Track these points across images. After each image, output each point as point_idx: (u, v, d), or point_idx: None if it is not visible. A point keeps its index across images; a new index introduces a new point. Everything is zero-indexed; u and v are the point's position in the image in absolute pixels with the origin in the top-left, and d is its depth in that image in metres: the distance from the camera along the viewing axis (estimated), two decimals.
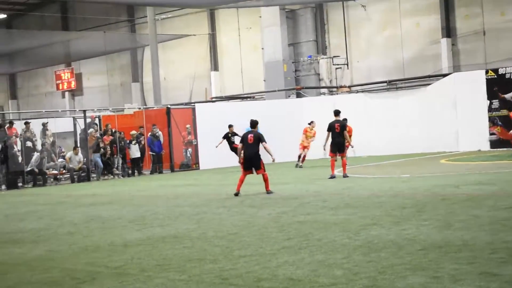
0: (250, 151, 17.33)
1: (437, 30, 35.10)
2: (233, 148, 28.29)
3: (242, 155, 17.52)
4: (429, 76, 34.35)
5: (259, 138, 17.41)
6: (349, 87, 37.50)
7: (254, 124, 17.81)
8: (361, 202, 13.99)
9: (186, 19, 44.78)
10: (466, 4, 34.36)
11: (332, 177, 20.64)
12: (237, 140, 26.50)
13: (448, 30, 34.74)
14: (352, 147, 23.33)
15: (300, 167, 27.52)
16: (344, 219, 11.64)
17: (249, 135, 17.50)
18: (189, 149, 33.25)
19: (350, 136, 23.56)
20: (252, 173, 17.43)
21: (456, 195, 14.12)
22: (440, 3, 34.93)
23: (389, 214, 11.89)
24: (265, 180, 17.29)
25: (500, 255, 7.89)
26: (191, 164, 33.04)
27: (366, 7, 37.66)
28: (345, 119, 23.24)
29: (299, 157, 28.22)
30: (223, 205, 15.25)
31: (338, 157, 21.25)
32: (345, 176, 20.72)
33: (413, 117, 32.60)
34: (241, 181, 17.41)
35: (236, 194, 17.07)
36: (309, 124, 28.38)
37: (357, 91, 36.31)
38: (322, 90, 38.67)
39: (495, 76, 30.85)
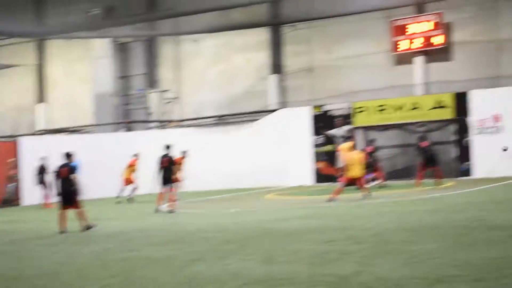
0: (64, 185, 16.65)
1: (267, 66, 35.96)
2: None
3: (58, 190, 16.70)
4: (258, 112, 35.06)
5: (71, 171, 16.73)
6: (180, 121, 37.54)
7: (68, 156, 16.94)
8: (187, 237, 13.91)
9: (12, 48, 43.17)
10: (294, 42, 35.46)
11: (159, 211, 20.77)
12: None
13: (277, 67, 35.70)
14: (181, 181, 23.46)
15: (120, 202, 27.08)
16: (169, 255, 11.49)
17: (62, 168, 16.76)
18: (12, 184, 31.87)
19: (180, 168, 24.01)
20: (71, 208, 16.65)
21: (279, 229, 14.35)
22: (270, 41, 35.86)
23: (214, 249, 11.88)
24: (80, 216, 16.59)
25: (319, 287, 8.05)
26: (13, 200, 31.64)
27: (198, 42, 37.98)
28: (184, 152, 24.11)
29: (122, 191, 27.92)
30: (45, 243, 14.66)
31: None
32: (171, 211, 20.64)
33: (242, 151, 33.12)
34: (62, 218, 16.57)
35: (62, 232, 16.28)
36: (134, 156, 28.18)
37: (188, 126, 36.42)
38: (152, 124, 38.46)
39: (320, 113, 32.01)
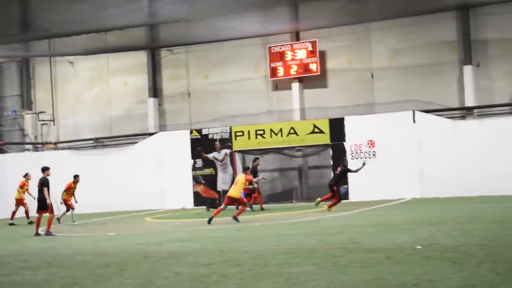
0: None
1: (145, 89, 35.75)
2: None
3: None
4: (136, 135, 34.75)
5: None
6: (55, 143, 36.69)
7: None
8: (64, 261, 13.55)
9: None
10: (172, 66, 35.48)
11: (37, 234, 20.24)
12: None
13: (155, 90, 35.55)
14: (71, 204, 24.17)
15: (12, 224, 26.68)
16: (45, 279, 11.16)
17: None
18: None
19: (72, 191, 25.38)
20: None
21: (159, 252, 14.23)
22: (148, 64, 35.70)
23: (92, 273, 11.62)
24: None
25: None
26: None
27: (74, 63, 37.32)
28: (75, 176, 25.34)
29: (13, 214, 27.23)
30: None
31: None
32: (48, 234, 20.22)
33: (121, 174, 32.72)
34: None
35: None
36: (24, 176, 27.41)
37: (64, 148, 35.65)
38: (27, 146, 37.39)
39: (199, 136, 32.07)
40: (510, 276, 9.09)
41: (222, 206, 22.03)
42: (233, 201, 22.14)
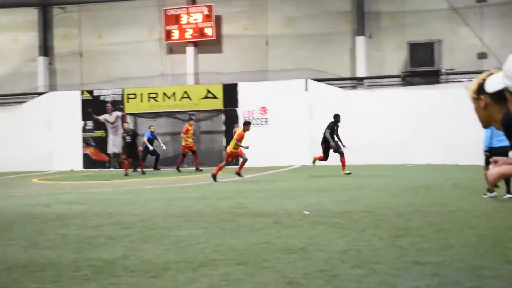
0: None
1: (35, 47, 34.71)
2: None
3: None
4: (25, 94, 33.75)
5: None
6: None
7: None
8: None
9: None
10: (64, 24, 34.54)
11: None
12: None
13: (46, 49, 34.55)
14: None
15: None
16: None
17: None
18: None
19: None
20: None
21: (45, 214, 13.94)
22: (38, 21, 34.62)
23: None
24: None
25: (84, 272, 7.92)
26: None
27: None
28: None
29: None
30: None
31: None
32: None
33: (8, 134, 31.77)
34: None
35: None
36: None
37: None
38: None
39: (90, 98, 31.48)
40: (392, 241, 9.39)
41: (223, 163, 22.39)
42: (232, 156, 22.29)
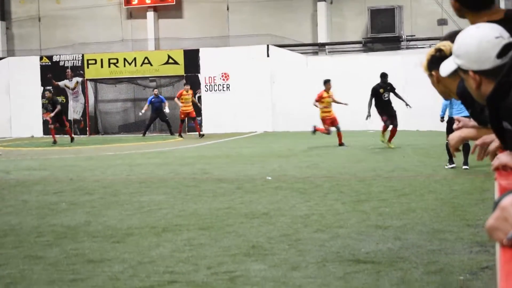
0: None
1: None
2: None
3: None
4: None
5: None
6: None
7: None
8: None
9: None
10: None
11: None
12: None
13: (3, 13, 33.88)
14: None
15: None
16: None
17: None
18: None
19: None
20: None
21: (6, 180, 13.81)
22: None
23: None
24: None
25: (46, 238, 7.89)
26: None
27: None
28: None
29: None
30: None
31: None
32: None
33: None
34: None
35: None
36: None
37: None
38: None
39: (50, 63, 31.03)
40: (354, 206, 9.49)
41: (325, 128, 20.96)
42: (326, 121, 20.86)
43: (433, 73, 3.44)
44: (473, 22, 3.22)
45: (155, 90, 28.74)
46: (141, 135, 28.33)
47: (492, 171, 2.68)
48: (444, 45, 3.39)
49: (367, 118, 19.90)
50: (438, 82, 3.43)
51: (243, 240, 7.49)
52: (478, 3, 3.31)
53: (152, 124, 29.29)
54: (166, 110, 27.99)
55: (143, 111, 28.39)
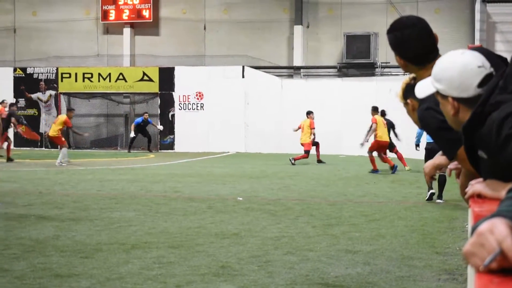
0: None
1: None
2: None
3: None
4: None
5: None
6: None
7: None
8: None
9: None
10: None
11: None
12: None
13: None
14: None
15: None
16: None
17: None
18: None
19: None
20: None
21: None
22: None
23: None
24: None
25: (13, 251, 7.79)
26: None
27: None
28: None
29: None
30: None
31: None
32: None
33: None
34: None
35: None
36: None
37: None
38: None
39: (23, 75, 30.84)
40: (325, 229, 9.50)
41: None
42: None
43: (409, 101, 3.48)
44: (420, 76, 3.26)
45: (146, 114, 28.74)
46: (126, 151, 28.39)
47: (465, 199, 2.70)
48: None
49: (362, 146, 20.12)
50: (414, 111, 3.46)
51: (212, 260, 7.46)
52: (422, 58, 3.33)
53: (123, 139, 29.25)
54: (160, 127, 28.11)
55: (132, 134, 28.34)
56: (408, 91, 3.47)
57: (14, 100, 30.59)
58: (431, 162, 3.69)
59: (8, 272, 6.77)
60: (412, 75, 3.51)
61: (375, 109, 20.43)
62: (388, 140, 19.73)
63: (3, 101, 24.03)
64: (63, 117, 21.96)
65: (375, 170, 19.19)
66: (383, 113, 20.10)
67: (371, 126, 19.72)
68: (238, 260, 7.46)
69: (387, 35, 3.42)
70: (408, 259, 7.58)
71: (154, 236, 8.86)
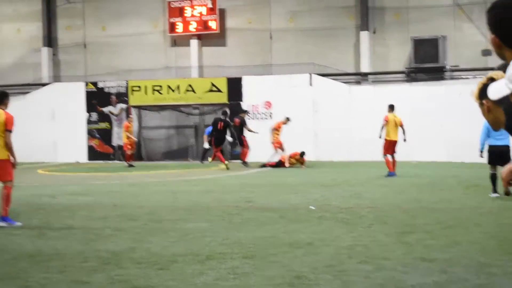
0: None
1: (39, 38, 34.64)
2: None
3: None
4: (29, 85, 33.72)
5: None
6: None
7: None
8: None
9: None
10: (68, 15, 34.48)
11: None
12: None
13: (50, 40, 34.51)
14: None
15: None
16: None
17: None
18: None
19: None
20: None
21: (51, 205, 13.97)
22: (42, 12, 34.55)
23: None
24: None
25: (91, 263, 7.95)
26: None
27: None
28: None
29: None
30: None
31: None
32: None
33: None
34: None
35: None
36: None
37: None
38: None
39: (95, 89, 31.48)
40: (399, 237, 9.40)
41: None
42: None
43: (484, 102, 3.42)
44: (511, 60, 3.17)
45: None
46: (199, 161, 28.73)
47: None
48: (497, 74, 3.36)
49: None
50: (489, 112, 3.40)
51: (287, 270, 7.47)
52: None
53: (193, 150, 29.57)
54: (229, 139, 28.35)
55: (206, 145, 28.64)
56: (484, 92, 3.41)
57: (87, 115, 31.33)
58: (508, 167, 3.62)
59: (87, 285, 6.92)
60: (490, 74, 3.44)
61: (390, 107, 21.02)
62: (396, 139, 20.53)
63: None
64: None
65: (391, 172, 19.96)
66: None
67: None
68: (312, 270, 7.45)
69: (487, 13, 3.31)
70: (486, 267, 7.44)
71: (228, 246, 8.91)
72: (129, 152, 27.64)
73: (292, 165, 25.14)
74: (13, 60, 35.14)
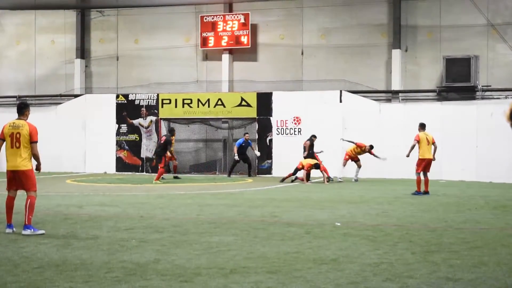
0: None
1: (72, 50, 35.02)
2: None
3: None
4: (61, 95, 34.10)
5: None
6: None
7: None
8: None
9: None
10: (101, 28, 34.85)
11: None
12: None
13: (83, 51, 34.88)
14: None
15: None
16: None
17: None
18: None
19: None
20: None
21: (78, 215, 14.07)
22: (76, 24, 34.95)
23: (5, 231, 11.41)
24: None
25: (116, 274, 7.99)
26: None
27: (0, 18, 36.31)
28: None
29: None
30: None
31: None
32: None
33: (42, 135, 31.94)
34: None
35: None
36: None
37: None
38: None
39: (125, 101, 31.72)
40: (425, 256, 9.32)
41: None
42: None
43: None
44: None
45: (247, 134, 29.14)
46: (226, 175, 28.94)
47: None
48: None
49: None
50: None
51: (311, 286, 7.44)
52: None
53: (221, 164, 29.63)
54: (257, 153, 28.33)
55: (236, 157, 28.80)
56: None
57: (116, 126, 31.57)
58: None
59: None
60: None
61: (421, 126, 20.72)
62: (431, 157, 20.30)
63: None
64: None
65: (418, 192, 19.89)
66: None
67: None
68: (336, 286, 7.41)
69: None
70: None
71: (252, 260, 8.90)
72: (175, 162, 28.36)
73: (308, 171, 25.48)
74: (46, 71, 35.56)
